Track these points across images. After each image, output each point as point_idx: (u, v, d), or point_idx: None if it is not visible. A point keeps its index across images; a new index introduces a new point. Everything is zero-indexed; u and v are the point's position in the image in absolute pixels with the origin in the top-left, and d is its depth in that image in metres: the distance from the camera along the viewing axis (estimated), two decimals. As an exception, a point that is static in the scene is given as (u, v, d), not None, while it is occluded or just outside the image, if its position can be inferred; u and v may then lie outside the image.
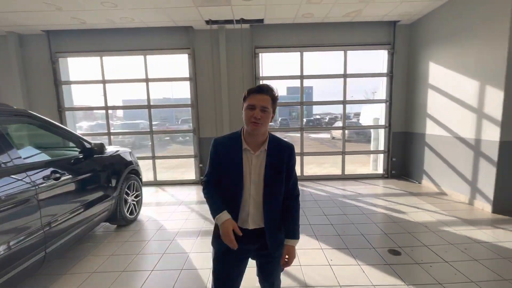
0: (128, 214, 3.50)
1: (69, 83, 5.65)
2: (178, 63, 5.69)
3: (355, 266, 2.49)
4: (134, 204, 3.69)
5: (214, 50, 5.37)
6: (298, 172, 4.83)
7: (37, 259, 2.04)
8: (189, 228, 3.43)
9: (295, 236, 1.36)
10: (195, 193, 4.99)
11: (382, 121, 5.82)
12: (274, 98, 1.28)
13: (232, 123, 5.54)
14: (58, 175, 2.31)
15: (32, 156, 2.39)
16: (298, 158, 5.30)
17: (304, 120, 9.47)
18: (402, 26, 5.27)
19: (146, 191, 5.10)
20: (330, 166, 7.43)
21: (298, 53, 5.44)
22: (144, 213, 3.98)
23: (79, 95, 6.48)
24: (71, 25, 4.94)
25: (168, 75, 5.68)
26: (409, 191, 4.72)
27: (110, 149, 3.42)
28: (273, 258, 1.38)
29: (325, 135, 16.04)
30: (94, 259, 2.74)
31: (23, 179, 1.98)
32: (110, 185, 3.14)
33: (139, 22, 4.90)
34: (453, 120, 4.26)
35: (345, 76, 5.50)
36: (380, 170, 5.85)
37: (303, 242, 2.94)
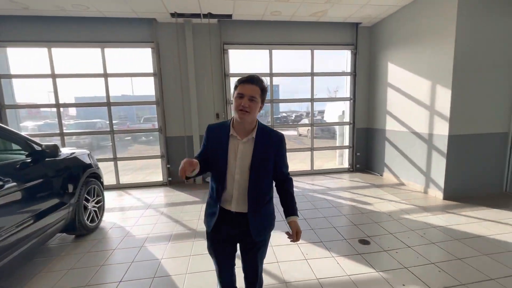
0: (88, 222, 3.17)
1: (9, 76, 4.94)
2: (140, 58, 5.33)
3: (329, 259, 2.57)
4: (95, 211, 3.36)
5: (181, 45, 5.12)
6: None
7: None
8: (159, 233, 3.23)
9: (296, 213, 1.47)
10: (163, 196, 4.73)
11: (346, 118, 6.12)
12: (263, 89, 1.34)
13: (201, 121, 5.36)
14: (0, 182, 1.98)
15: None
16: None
17: (269, 119, 9.57)
18: (363, 28, 5.59)
19: (109, 196, 4.71)
20: (298, 162, 7.63)
21: (267, 51, 5.45)
22: (108, 220, 3.65)
23: (23, 91, 5.71)
24: (10, 10, 4.31)
25: (129, 70, 5.28)
26: (372, 183, 5.04)
27: (65, 151, 3.06)
28: (256, 244, 1.45)
29: (292, 132, 16.44)
30: (48, 275, 2.43)
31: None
32: (66, 191, 2.81)
33: (95, 11, 4.46)
34: (409, 116, 4.64)
35: (312, 74, 5.66)
36: (346, 165, 6.17)
37: (278, 239, 2.94)
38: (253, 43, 5.35)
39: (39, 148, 2.56)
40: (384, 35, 5.18)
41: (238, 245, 1.53)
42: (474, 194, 4.08)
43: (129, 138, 13.17)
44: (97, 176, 3.51)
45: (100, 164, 3.88)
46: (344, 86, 6.11)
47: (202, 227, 3.33)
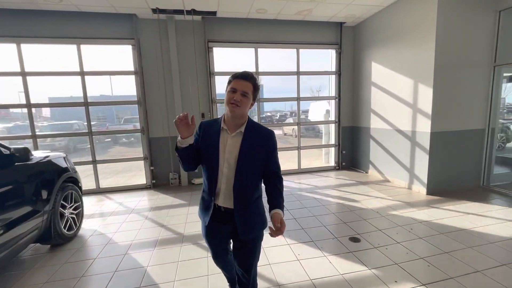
0: (65, 230, 2.95)
1: (-27, 74, 4.53)
2: (120, 56, 5.08)
3: (322, 258, 2.54)
4: (73, 218, 3.14)
5: (163, 42, 4.93)
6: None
7: None
8: (144, 239, 3.07)
9: (281, 207, 1.41)
10: (147, 199, 4.53)
11: (332, 117, 6.18)
12: (255, 86, 1.38)
13: (186, 121, 5.19)
14: (-39, 191, 1.77)
15: None
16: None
17: (256, 117, 9.52)
18: (347, 27, 5.66)
19: (88, 201, 4.45)
20: (286, 161, 7.61)
21: (253, 50, 5.38)
22: (87, 227, 3.43)
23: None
24: (-28, 1, 3.95)
25: (109, 68, 5.01)
26: (358, 181, 5.12)
27: (37, 155, 2.83)
28: (246, 244, 1.48)
29: (277, 132, 16.52)
30: (21, 291, 2.22)
31: None
32: (39, 198, 2.59)
33: (69, 4, 4.18)
34: (393, 114, 4.74)
35: (298, 73, 5.66)
36: (332, 163, 6.23)
37: (270, 240, 2.89)
38: (239, 41, 5.26)
39: (7, 152, 2.34)
40: (368, 34, 5.28)
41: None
42: (455, 188, 4.24)
43: (109, 140, 12.66)
44: (75, 181, 3.29)
45: (78, 168, 3.65)
46: (327, 86, 6.17)
47: (189, 231, 3.20)
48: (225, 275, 1.86)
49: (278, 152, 1.53)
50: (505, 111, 5.19)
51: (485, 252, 2.54)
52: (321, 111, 11.28)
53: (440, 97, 3.94)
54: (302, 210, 3.76)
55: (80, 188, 3.40)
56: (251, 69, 5.43)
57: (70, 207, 3.11)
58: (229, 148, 1.39)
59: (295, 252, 2.66)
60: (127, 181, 6.03)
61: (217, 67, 5.33)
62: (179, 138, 1.38)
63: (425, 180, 4.13)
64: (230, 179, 1.40)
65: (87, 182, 5.20)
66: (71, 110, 9.76)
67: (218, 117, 1.47)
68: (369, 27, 5.23)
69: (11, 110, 9.05)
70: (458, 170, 4.24)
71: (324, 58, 6.07)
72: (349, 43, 5.72)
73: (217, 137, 1.41)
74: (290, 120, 15.47)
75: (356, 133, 5.90)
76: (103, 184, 5.23)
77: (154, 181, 5.23)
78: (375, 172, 5.36)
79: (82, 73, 4.75)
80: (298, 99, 5.80)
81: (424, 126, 4.08)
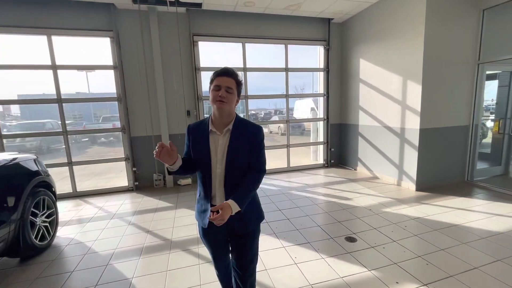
0: (37, 241, 2.66)
1: None
2: (98, 49, 4.72)
3: (319, 260, 2.44)
4: (46, 226, 2.83)
5: (145, 35, 4.63)
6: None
7: None
8: (128, 246, 2.82)
9: (238, 202, 1.28)
10: (129, 202, 4.24)
11: (320, 114, 6.14)
12: (238, 82, 1.37)
13: (171, 118, 4.94)
14: None
15: None
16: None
17: (242, 115, 9.34)
18: (335, 24, 5.62)
19: (64, 206, 4.09)
20: (275, 159, 7.51)
21: (240, 44, 5.20)
22: (63, 235, 3.13)
23: None
24: None
25: (85, 62, 4.64)
26: (348, 178, 5.11)
27: (3, 157, 2.51)
28: (242, 238, 1.44)
29: (264, 130, 16.44)
30: (-16, 314, 1.93)
31: None
32: (4, 206, 2.29)
33: (38, -10, 3.79)
34: (382, 111, 4.76)
35: (286, 70, 5.55)
36: (321, 160, 6.20)
37: (264, 243, 2.76)
38: (225, 35, 5.05)
39: (-36, 155, 2.02)
40: (355, 31, 5.25)
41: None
42: (442, 184, 4.32)
43: (86, 139, 11.97)
44: (48, 185, 2.98)
45: (52, 170, 3.33)
46: (310, 85, 6.13)
47: (178, 236, 2.99)
48: (221, 283, 1.75)
49: (267, 150, 1.48)
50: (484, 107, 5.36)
51: (478, 247, 2.55)
52: (306, 108, 11.31)
53: (428, 94, 3.97)
54: (295, 210, 3.66)
55: (54, 193, 3.08)
56: (238, 64, 5.26)
57: (42, 214, 2.80)
58: (220, 148, 1.38)
59: (291, 255, 2.54)
60: (107, 183, 5.66)
61: (203, 62, 5.10)
62: (166, 165, 1.34)
63: (414, 177, 4.17)
64: (223, 179, 1.39)
65: (62, 185, 4.82)
66: (44, 108, 9.08)
67: (205, 115, 1.40)
68: (357, 24, 5.21)
69: (-26, 108, 8.25)
70: (445, 166, 4.32)
71: (311, 57, 6.00)
72: (337, 40, 5.69)
73: (207, 139, 1.39)
74: (276, 118, 15.41)
75: (344, 130, 5.90)
76: (81, 187, 4.86)
77: (137, 183, 4.93)
78: (363, 169, 5.37)
79: (54, 67, 4.35)
80: (287, 96, 5.69)
81: (413, 123, 4.11)
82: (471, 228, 2.95)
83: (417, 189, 4.16)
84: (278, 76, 5.65)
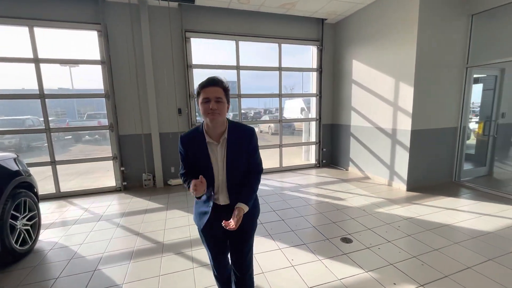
0: (17, 246, 2.48)
1: None
2: (84, 43, 4.51)
3: (316, 262, 2.41)
4: (27, 230, 2.66)
5: (135, 29, 4.46)
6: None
7: None
8: (117, 250, 2.69)
9: (247, 203, 1.40)
10: (117, 204, 4.08)
11: (312, 114, 6.15)
12: (225, 89, 1.37)
13: (161, 116, 4.80)
14: None
15: None
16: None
17: (231, 114, 9.19)
18: (328, 25, 5.63)
19: (46, 208, 3.88)
20: (266, 159, 7.48)
21: (233, 42, 5.11)
22: (46, 239, 2.95)
23: None
24: None
25: (70, 56, 4.41)
26: (340, 178, 5.13)
27: (-22, 156, 2.32)
28: (240, 231, 1.43)
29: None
30: (-43, 327, 1.77)
31: None
32: (-18, 209, 2.11)
33: (19, -22, 3.56)
34: (374, 112, 4.80)
35: (280, 69, 5.52)
36: (313, 160, 6.21)
37: (260, 245, 2.70)
38: (219, 32, 4.95)
39: None
40: (348, 32, 5.28)
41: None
42: (431, 184, 4.41)
43: (70, 137, 11.51)
44: (29, 186, 2.80)
45: (34, 170, 3.13)
46: (300, 84, 6.12)
47: (170, 239, 2.89)
48: (218, 283, 1.73)
49: (260, 150, 1.55)
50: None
51: (470, 247, 2.60)
52: (297, 108, 11.37)
53: (420, 95, 4.04)
54: (289, 211, 3.62)
55: (36, 194, 2.90)
56: (231, 63, 5.18)
57: (23, 217, 2.62)
58: (220, 157, 1.42)
59: (288, 257, 2.50)
60: (93, 183, 5.42)
61: (195, 59, 4.98)
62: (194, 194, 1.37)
63: (405, 177, 4.24)
64: (225, 182, 1.44)
65: (44, 185, 4.58)
66: (24, 104, 8.63)
67: (196, 123, 1.40)
68: (349, 25, 5.24)
69: None
70: (434, 167, 4.42)
71: (304, 57, 6.00)
72: (330, 40, 5.70)
73: (206, 151, 1.41)
74: (266, 117, 15.39)
75: (336, 131, 5.93)
76: (65, 187, 4.63)
77: (125, 183, 4.75)
78: (355, 170, 5.42)
79: (36, 60, 4.11)
80: (280, 95, 5.66)
81: (405, 124, 4.17)
82: (462, 228, 3.01)
83: (408, 189, 4.23)
84: (269, 76, 5.62)
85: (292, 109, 11.86)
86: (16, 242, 2.47)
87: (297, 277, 2.21)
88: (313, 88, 5.98)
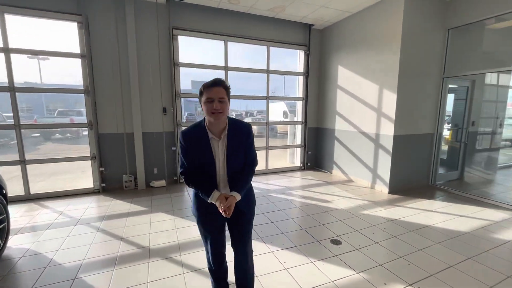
0: (-17, 254, 2.23)
1: None
2: (62, 34, 4.21)
3: (309, 265, 2.42)
4: (-5, 236, 2.40)
5: (119, 23, 4.25)
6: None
7: None
8: (99, 256, 2.52)
9: (239, 192, 1.53)
10: (96, 206, 3.83)
11: (298, 118, 6.23)
12: (227, 88, 1.47)
13: (145, 115, 4.60)
14: None
15: None
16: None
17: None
18: (315, 30, 5.75)
19: (14, 212, 3.55)
20: (250, 161, 7.46)
21: (222, 42, 5.05)
22: (16, 246, 2.69)
23: None
24: None
25: (45, 47, 4.10)
26: (325, 181, 5.23)
27: None
28: (240, 218, 1.62)
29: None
30: None
31: None
32: None
33: (-10, -41, 3.25)
34: (358, 117, 4.96)
35: (268, 72, 5.53)
36: (298, 163, 6.28)
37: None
38: (208, 31, 4.87)
39: None
40: (335, 39, 5.43)
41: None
42: (410, 187, 4.63)
43: (38, 135, 10.69)
44: (-2, 187, 2.53)
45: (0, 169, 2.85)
46: (282, 88, 6.22)
47: (156, 243, 2.75)
48: (213, 275, 1.80)
49: None
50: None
51: (451, 247, 2.75)
52: (279, 111, 11.47)
53: (402, 102, 4.24)
54: (278, 213, 3.62)
55: (5, 196, 2.65)
56: (219, 63, 5.11)
57: (-9, 222, 2.37)
58: (221, 152, 1.52)
59: (280, 260, 2.48)
60: (67, 184, 5.06)
61: (182, 58, 4.85)
62: (211, 199, 1.50)
63: (387, 180, 4.41)
64: (225, 176, 1.56)
65: (11, 186, 4.17)
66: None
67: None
68: (336, 31, 5.39)
69: None
70: (413, 171, 4.65)
71: (285, 63, 6.07)
72: (317, 45, 5.83)
73: (209, 147, 1.49)
74: (249, 119, 15.37)
75: (321, 134, 6.05)
76: (35, 188, 4.27)
77: (104, 185, 4.48)
78: (339, 172, 5.56)
79: (6, 50, 3.77)
80: (268, 97, 5.67)
81: (388, 129, 4.35)
82: (440, 228, 3.18)
83: (390, 192, 4.41)
84: (254, 78, 5.61)
85: (274, 112, 11.96)
86: (-19, 249, 2.22)
87: (291, 280, 2.19)
88: (299, 92, 6.06)
